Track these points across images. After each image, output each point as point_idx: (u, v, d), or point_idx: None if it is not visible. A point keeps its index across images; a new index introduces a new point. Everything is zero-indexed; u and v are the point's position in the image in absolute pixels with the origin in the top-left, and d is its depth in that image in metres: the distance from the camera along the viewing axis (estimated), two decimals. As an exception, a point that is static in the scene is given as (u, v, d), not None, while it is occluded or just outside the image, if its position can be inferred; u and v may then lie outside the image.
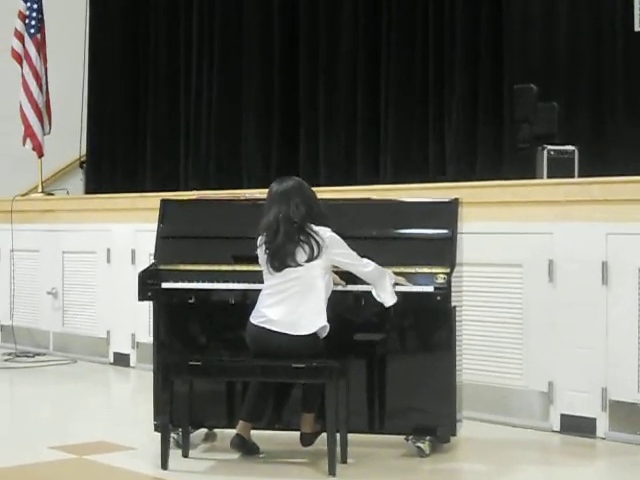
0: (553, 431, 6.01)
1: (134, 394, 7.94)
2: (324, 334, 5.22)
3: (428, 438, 5.43)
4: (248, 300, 5.38)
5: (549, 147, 7.41)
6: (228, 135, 10.10)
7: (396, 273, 5.30)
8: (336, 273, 5.34)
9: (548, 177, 7.24)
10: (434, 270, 5.31)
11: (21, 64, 9.78)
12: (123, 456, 5.51)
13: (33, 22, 9.79)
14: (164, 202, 5.94)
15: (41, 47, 9.81)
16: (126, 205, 8.60)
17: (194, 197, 6.88)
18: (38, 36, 9.79)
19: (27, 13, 9.81)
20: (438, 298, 5.23)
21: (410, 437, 5.45)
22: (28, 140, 9.78)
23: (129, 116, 11.09)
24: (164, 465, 5.18)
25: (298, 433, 5.38)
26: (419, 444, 5.42)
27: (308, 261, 5.18)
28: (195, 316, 5.76)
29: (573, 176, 7.25)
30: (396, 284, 5.26)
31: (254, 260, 5.33)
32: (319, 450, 5.29)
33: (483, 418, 6.23)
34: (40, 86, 9.77)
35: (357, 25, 9.22)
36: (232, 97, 10.06)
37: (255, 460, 5.36)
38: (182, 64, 10.58)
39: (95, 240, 8.76)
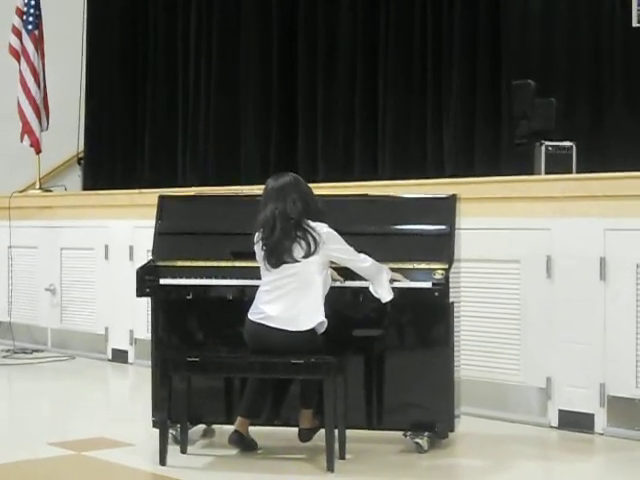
0: (551, 427, 6.02)
1: (132, 390, 7.94)
2: (322, 330, 5.22)
3: (426, 434, 5.43)
4: (246, 296, 5.38)
5: (547, 143, 7.42)
6: (226, 131, 10.08)
7: (394, 269, 5.30)
8: (334, 269, 5.35)
9: (546, 173, 7.25)
10: (432, 266, 5.31)
11: (19, 60, 9.78)
12: (121, 452, 5.52)
13: (31, 18, 9.78)
14: (162, 198, 5.94)
15: (39, 43, 9.81)
16: (124, 201, 8.59)
17: (192, 193, 6.89)
18: (36, 32, 9.79)
19: (25, 9, 9.80)
20: (436, 294, 5.23)
21: (408, 433, 5.46)
22: (26, 136, 9.78)
23: (127, 112, 11.07)
24: (162, 461, 5.18)
25: (296, 429, 5.39)
26: (417, 440, 5.42)
27: (305, 257, 5.18)
28: (193, 312, 5.76)
29: (571, 172, 7.25)
30: (392, 280, 5.26)
31: (252, 256, 5.33)
32: (317, 446, 5.30)
33: (481, 414, 6.23)
34: (38, 82, 9.76)
35: (355, 22, 9.20)
36: (230, 93, 10.04)
37: (253, 456, 5.37)
38: (180, 60, 10.56)
39: (93, 236, 8.76)
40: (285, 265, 5.20)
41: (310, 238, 5.18)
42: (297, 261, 5.19)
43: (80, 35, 10.94)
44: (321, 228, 5.22)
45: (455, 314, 5.50)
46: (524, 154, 7.64)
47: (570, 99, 8.04)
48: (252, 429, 5.38)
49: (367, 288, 5.28)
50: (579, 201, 5.95)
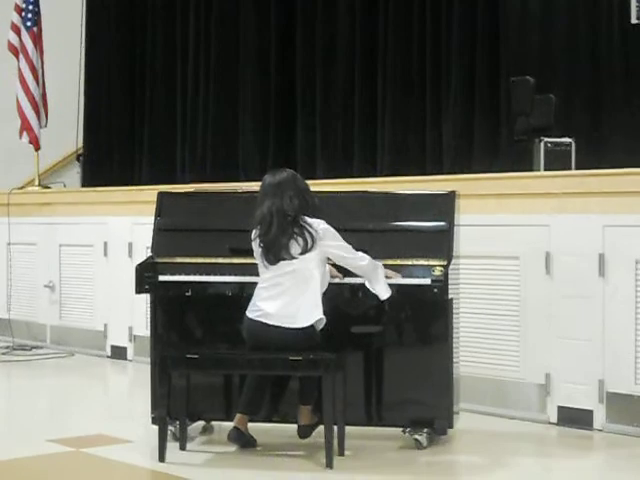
0: (550, 423, 6.02)
1: (131, 387, 7.94)
2: (321, 326, 5.22)
3: (425, 430, 5.43)
4: (245, 292, 5.38)
5: (546, 139, 7.41)
6: (225, 128, 10.09)
7: (393, 265, 5.30)
8: (332, 266, 5.34)
9: (545, 169, 7.24)
10: (431, 262, 5.31)
11: (18, 57, 9.78)
12: (120, 449, 5.52)
13: (30, 15, 9.77)
14: (161, 195, 5.93)
15: (38, 40, 9.80)
16: (123, 198, 8.59)
17: (191, 190, 6.89)
18: (35, 29, 9.78)
19: (24, 6, 9.79)
20: (435, 290, 5.23)
21: (407, 429, 5.46)
22: (24, 133, 9.78)
23: (126, 109, 11.08)
24: (161, 458, 5.19)
25: (295, 426, 5.39)
26: (416, 436, 5.42)
27: (302, 253, 5.17)
28: (192, 309, 5.76)
29: (570, 168, 7.25)
30: (386, 277, 5.26)
31: (251, 253, 5.32)
32: (316, 442, 5.30)
33: (480, 410, 6.23)
34: (37, 79, 9.75)
35: (354, 19, 9.21)
36: (228, 90, 10.05)
37: (252, 453, 5.37)
38: (179, 57, 10.57)
39: (92, 233, 8.75)
40: (282, 262, 5.19)
41: (307, 234, 5.17)
42: (294, 258, 5.18)
43: (79, 32, 10.95)
44: (318, 224, 5.21)
45: (454, 311, 5.50)
46: (523, 151, 7.63)
47: (569, 96, 8.02)
48: (251, 425, 5.38)
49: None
50: (578, 197, 5.95)
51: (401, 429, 5.47)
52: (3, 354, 8.80)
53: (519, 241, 6.15)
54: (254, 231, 5.27)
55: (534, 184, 6.24)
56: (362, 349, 5.58)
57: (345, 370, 5.25)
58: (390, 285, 5.24)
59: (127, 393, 7.75)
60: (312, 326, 5.19)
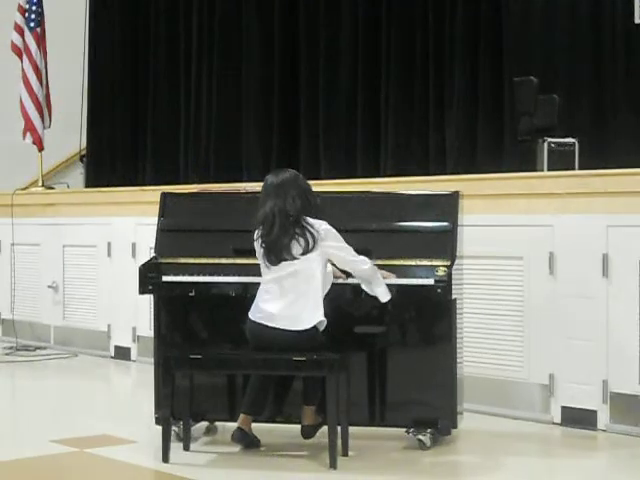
0: (554, 423, 6.02)
1: (135, 387, 7.94)
2: (323, 327, 5.22)
3: (429, 431, 5.43)
4: (249, 293, 5.38)
5: (549, 139, 7.40)
6: (228, 128, 10.10)
7: (396, 266, 5.30)
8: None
9: (549, 169, 7.24)
10: (435, 263, 5.31)
11: (21, 58, 9.78)
12: (124, 449, 5.52)
13: (33, 16, 9.77)
14: (164, 195, 5.93)
15: (41, 41, 9.80)
16: (126, 198, 8.59)
17: (194, 190, 6.89)
18: (38, 30, 9.78)
19: (27, 7, 9.80)
20: (439, 291, 5.22)
21: (411, 430, 5.46)
22: (28, 134, 9.78)
23: (129, 109, 11.09)
24: (165, 458, 5.18)
25: (299, 426, 5.39)
26: (420, 437, 5.42)
27: (303, 254, 5.17)
28: (196, 309, 5.76)
29: (573, 168, 7.24)
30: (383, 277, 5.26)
31: (254, 253, 5.32)
32: (320, 443, 5.30)
33: (484, 410, 6.23)
34: (40, 80, 9.76)
35: (357, 19, 9.21)
36: (232, 90, 10.05)
37: (256, 453, 5.37)
38: (182, 57, 10.58)
39: (96, 234, 8.76)
40: (284, 263, 5.19)
41: (308, 235, 5.16)
42: (295, 258, 5.17)
43: (82, 33, 10.96)
44: (319, 225, 5.20)
45: (457, 311, 5.50)
46: (526, 151, 7.63)
47: (573, 96, 8.02)
48: (255, 426, 5.38)
49: (369, 285, 5.28)
50: (582, 198, 5.95)
51: (405, 429, 5.47)
52: (7, 354, 8.81)
53: (522, 241, 6.15)
54: (256, 231, 5.27)
55: (538, 184, 6.23)
56: (365, 349, 5.58)
57: (349, 370, 5.26)
58: (391, 285, 5.23)
59: (131, 393, 7.75)
60: (314, 327, 5.18)
